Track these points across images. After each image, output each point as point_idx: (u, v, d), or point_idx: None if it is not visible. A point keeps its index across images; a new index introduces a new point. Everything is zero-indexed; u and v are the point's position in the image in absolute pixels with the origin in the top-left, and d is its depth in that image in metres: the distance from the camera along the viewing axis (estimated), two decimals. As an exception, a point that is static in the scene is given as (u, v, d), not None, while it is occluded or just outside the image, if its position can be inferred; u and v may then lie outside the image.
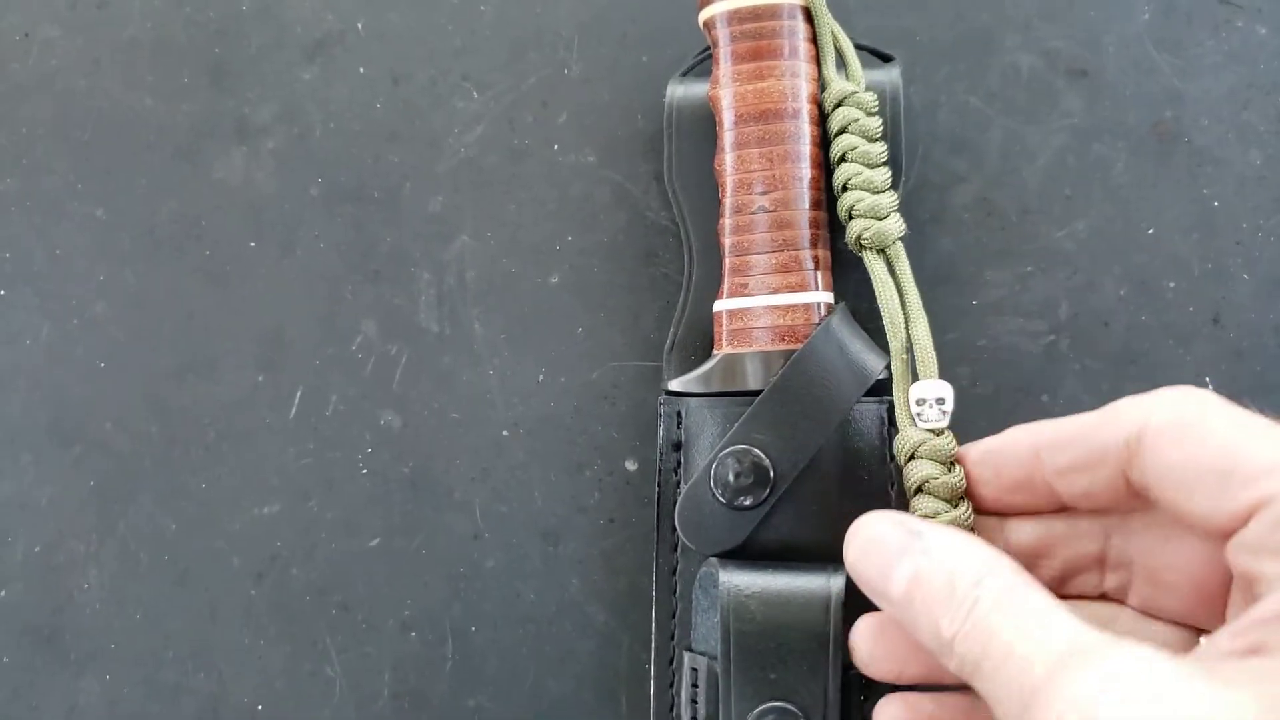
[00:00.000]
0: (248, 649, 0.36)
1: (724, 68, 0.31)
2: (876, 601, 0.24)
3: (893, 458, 0.29)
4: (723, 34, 0.31)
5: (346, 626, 0.36)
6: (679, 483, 0.31)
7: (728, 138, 0.31)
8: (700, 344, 0.33)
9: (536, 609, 0.35)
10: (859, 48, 0.33)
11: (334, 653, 0.36)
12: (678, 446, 0.31)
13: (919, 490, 0.27)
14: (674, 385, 0.31)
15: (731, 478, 0.28)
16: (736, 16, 0.31)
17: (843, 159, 0.31)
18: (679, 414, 0.31)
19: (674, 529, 0.30)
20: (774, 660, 0.27)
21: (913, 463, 0.27)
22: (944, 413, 0.28)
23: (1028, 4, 0.36)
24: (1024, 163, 0.35)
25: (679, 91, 0.34)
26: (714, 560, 0.29)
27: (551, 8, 0.38)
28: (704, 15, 0.31)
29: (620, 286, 0.36)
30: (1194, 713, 0.18)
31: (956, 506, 0.27)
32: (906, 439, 0.27)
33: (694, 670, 0.29)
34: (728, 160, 0.31)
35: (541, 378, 0.36)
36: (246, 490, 0.37)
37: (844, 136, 0.31)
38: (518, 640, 0.35)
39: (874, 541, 0.25)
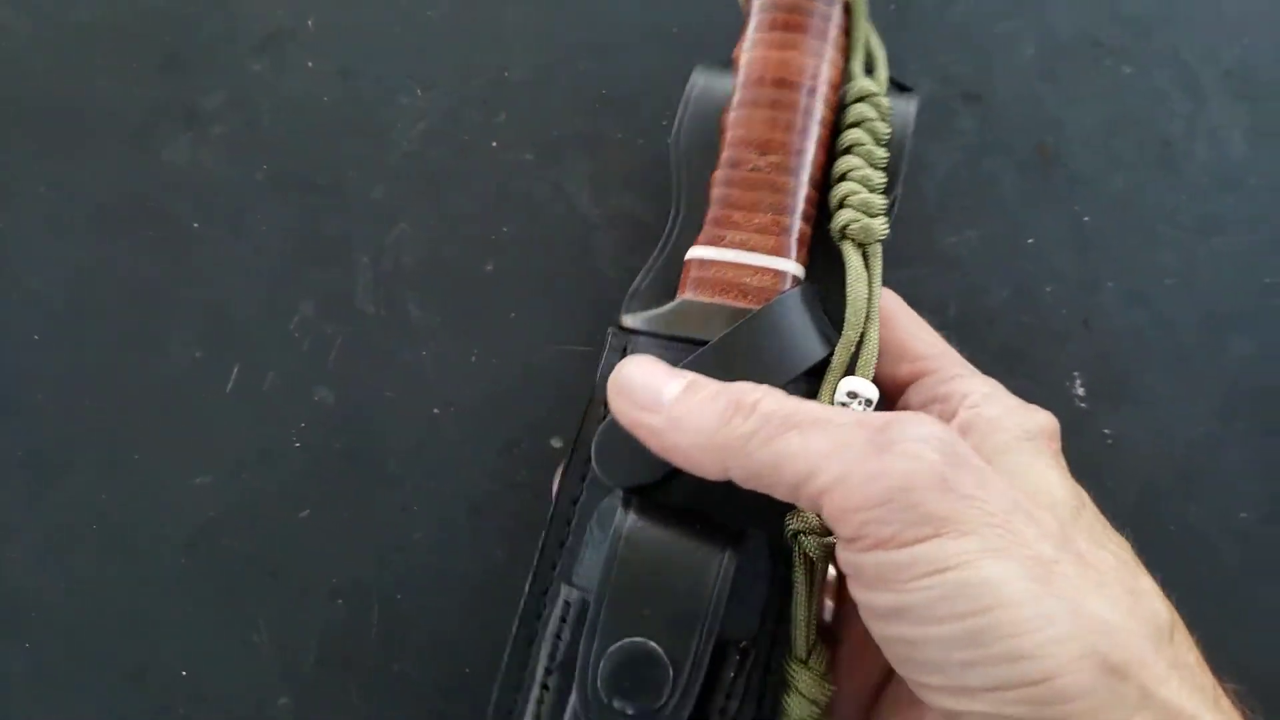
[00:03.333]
0: (176, 617, 0.37)
1: (752, 33, 0.31)
2: (638, 419, 0.26)
3: None
4: (759, 3, 0.32)
5: (275, 594, 0.37)
6: (606, 413, 0.29)
7: (741, 94, 0.31)
8: (665, 294, 0.32)
9: (463, 579, 0.37)
10: None
11: (262, 620, 0.37)
12: None
13: None
14: (627, 320, 0.30)
15: None
16: None
17: (848, 151, 0.31)
18: (624, 349, 0.30)
19: (588, 459, 0.29)
20: (651, 599, 0.25)
21: None
22: (864, 410, 0.28)
23: (929, 35, 0.40)
24: (924, 176, 0.39)
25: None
26: (619, 495, 0.28)
27: (495, 15, 0.40)
28: None
29: (553, 276, 0.39)
30: None
31: None
32: None
33: (567, 604, 0.28)
34: (736, 115, 0.31)
35: (474, 359, 0.38)
36: (181, 462, 0.38)
37: (854, 130, 0.31)
38: (443, 608, 0.37)
39: (645, 363, 0.27)
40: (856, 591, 0.24)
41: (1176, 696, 0.22)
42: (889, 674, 0.29)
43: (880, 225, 0.30)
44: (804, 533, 0.27)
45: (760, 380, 0.27)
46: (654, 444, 0.26)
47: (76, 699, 0.36)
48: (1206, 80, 0.40)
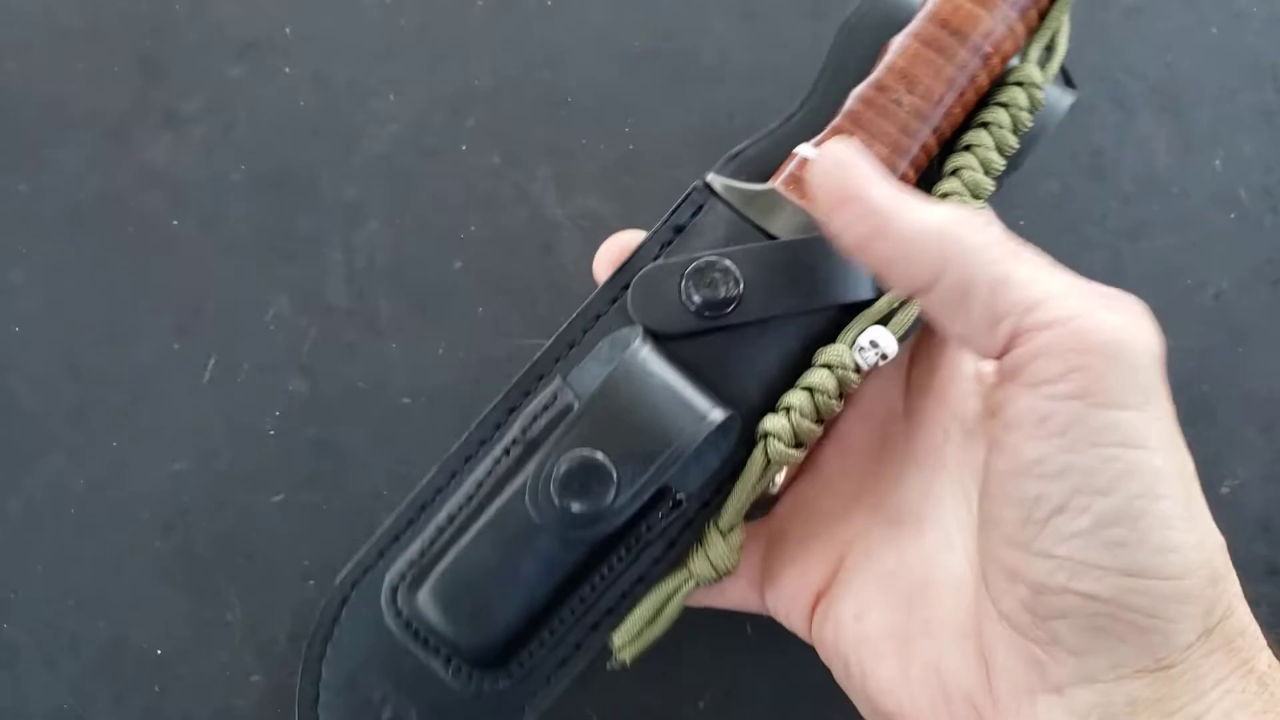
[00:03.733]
0: (151, 597, 0.38)
1: None
2: (863, 190, 0.25)
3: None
4: None
5: (248, 575, 0.38)
6: (658, 256, 0.31)
7: (918, 25, 0.31)
8: (762, 169, 0.32)
9: (429, 561, 0.39)
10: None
11: (235, 600, 0.38)
12: (679, 230, 0.31)
13: (807, 389, 0.29)
14: (713, 180, 0.31)
15: (708, 284, 0.29)
16: None
17: (985, 126, 0.31)
18: (700, 208, 0.31)
19: (626, 285, 0.30)
20: (625, 427, 0.28)
21: (821, 370, 0.29)
22: (876, 362, 0.29)
23: (874, 50, 0.43)
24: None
25: None
26: (639, 330, 0.29)
27: (464, 25, 0.42)
28: None
29: (519, 274, 0.41)
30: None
31: (815, 424, 0.29)
32: (835, 352, 0.29)
33: (555, 394, 0.30)
34: (904, 43, 0.31)
35: (441, 351, 0.40)
36: (157, 449, 0.39)
37: (999, 110, 0.31)
38: (411, 589, 0.38)
39: (860, 154, 0.26)
40: (1023, 443, 0.23)
41: (1243, 612, 0.24)
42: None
43: (976, 208, 0.30)
44: (774, 436, 0.29)
45: (802, 298, 0.29)
46: (865, 223, 0.25)
47: (52, 676, 0.37)
48: (1134, 94, 0.43)
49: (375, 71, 0.42)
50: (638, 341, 0.29)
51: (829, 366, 0.29)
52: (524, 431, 0.30)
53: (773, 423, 0.29)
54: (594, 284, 0.41)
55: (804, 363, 0.30)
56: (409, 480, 0.39)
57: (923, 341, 0.33)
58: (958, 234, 0.24)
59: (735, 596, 0.33)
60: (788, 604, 0.32)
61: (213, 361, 0.40)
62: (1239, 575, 0.39)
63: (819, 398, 0.29)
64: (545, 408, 0.30)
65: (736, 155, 0.32)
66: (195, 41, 0.42)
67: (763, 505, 0.34)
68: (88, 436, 0.39)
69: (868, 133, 0.30)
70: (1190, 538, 0.23)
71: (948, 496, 0.29)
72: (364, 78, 0.42)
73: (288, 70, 0.42)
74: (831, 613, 0.30)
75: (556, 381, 0.30)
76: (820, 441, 0.34)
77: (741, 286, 0.29)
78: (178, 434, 0.39)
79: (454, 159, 0.41)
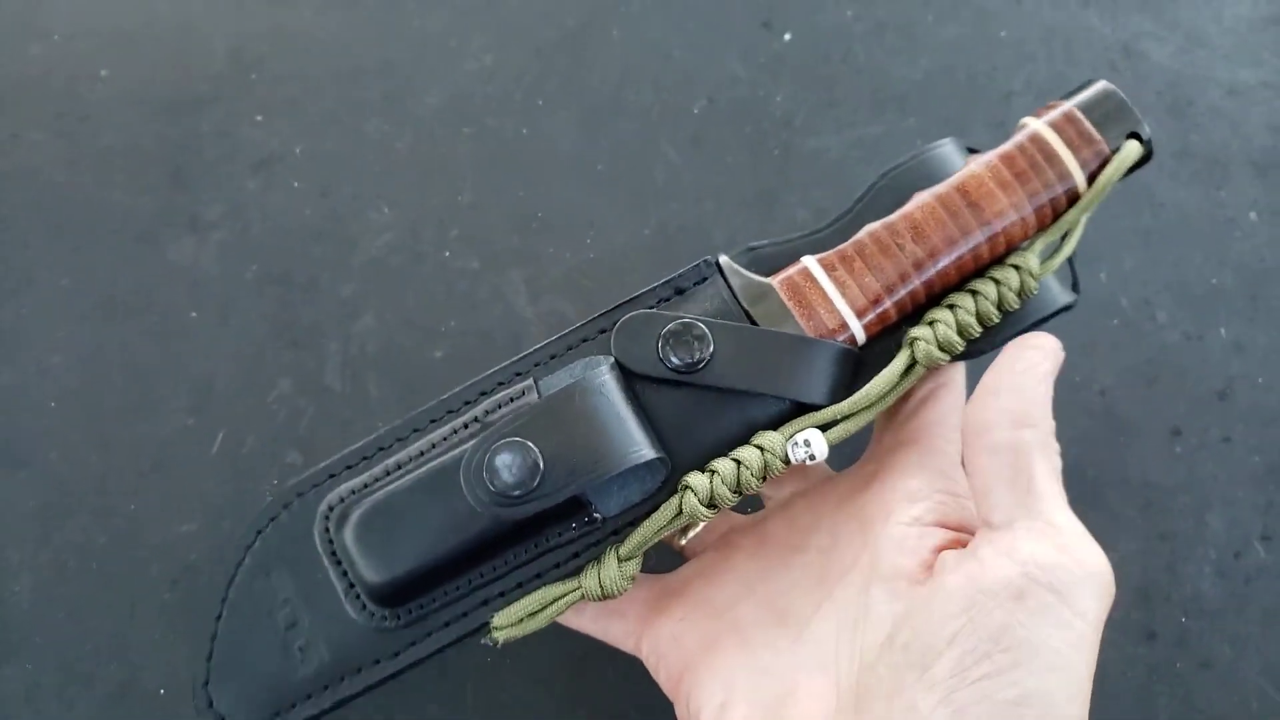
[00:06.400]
0: (158, 643, 0.43)
1: (993, 153, 0.34)
2: (996, 402, 0.30)
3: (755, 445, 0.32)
4: (1020, 136, 0.35)
5: (244, 625, 0.43)
6: (654, 306, 0.34)
7: (942, 188, 0.34)
8: (769, 264, 0.36)
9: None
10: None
11: (232, 647, 0.43)
12: (679, 291, 0.34)
13: (735, 460, 0.32)
14: (721, 259, 0.34)
15: (683, 342, 0.32)
16: (1037, 143, 0.34)
17: (973, 293, 0.34)
18: (704, 279, 0.34)
19: (615, 325, 0.33)
20: (568, 433, 0.30)
21: (753, 449, 0.32)
22: (804, 459, 0.32)
23: (805, 174, 0.49)
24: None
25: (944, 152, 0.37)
26: (613, 361, 0.32)
27: (452, 149, 0.49)
28: (1032, 124, 0.35)
29: (492, 363, 0.46)
30: None
31: (733, 493, 0.32)
32: (770, 438, 0.32)
33: (524, 391, 0.33)
34: (923, 199, 0.34)
35: (422, 430, 0.46)
36: (170, 511, 0.45)
37: (990, 284, 0.33)
38: (387, 640, 0.43)
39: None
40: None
41: None
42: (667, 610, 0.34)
43: (940, 359, 0.33)
44: (692, 490, 0.31)
45: (761, 381, 0.32)
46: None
47: (70, 713, 0.42)
48: (1030, 215, 0.49)
49: (373, 187, 0.49)
50: (605, 368, 0.32)
51: (760, 448, 0.32)
52: (486, 413, 0.33)
53: (695, 479, 0.32)
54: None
55: (747, 439, 0.32)
56: (389, 543, 0.44)
57: (871, 476, 0.35)
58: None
59: (617, 632, 0.35)
60: (658, 659, 0.34)
61: (221, 435, 0.46)
62: (1120, 639, 0.44)
63: (743, 471, 0.31)
64: (511, 400, 0.33)
65: (754, 249, 0.36)
66: (218, 157, 0.49)
67: (673, 559, 0.38)
68: (109, 499, 0.45)
69: (867, 264, 0.33)
70: None
71: (835, 619, 0.31)
72: (363, 192, 0.48)
73: (296, 184, 0.49)
74: (698, 691, 0.32)
75: (528, 381, 0.33)
76: (743, 527, 0.37)
77: (711, 353, 0.32)
78: (188, 499, 0.45)
79: (438, 263, 0.48)
